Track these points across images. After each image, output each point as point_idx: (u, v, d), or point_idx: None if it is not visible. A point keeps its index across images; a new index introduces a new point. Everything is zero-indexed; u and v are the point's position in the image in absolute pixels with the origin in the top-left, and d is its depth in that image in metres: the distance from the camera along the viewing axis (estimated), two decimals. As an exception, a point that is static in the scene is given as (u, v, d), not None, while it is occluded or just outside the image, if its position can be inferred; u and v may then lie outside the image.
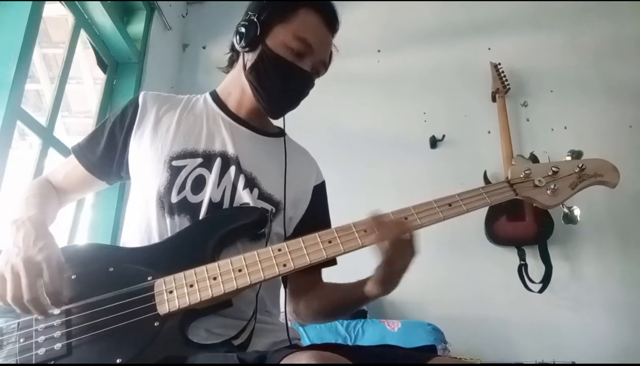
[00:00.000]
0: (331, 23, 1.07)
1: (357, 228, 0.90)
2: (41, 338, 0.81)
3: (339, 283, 1.08)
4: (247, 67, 1.05)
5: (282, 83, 1.03)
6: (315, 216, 1.11)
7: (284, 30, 1.02)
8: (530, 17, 2.86)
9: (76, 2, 2.36)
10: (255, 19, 1.03)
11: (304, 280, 1.07)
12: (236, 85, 1.10)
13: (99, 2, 2.36)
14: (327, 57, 1.09)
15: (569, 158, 1.02)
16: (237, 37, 1.05)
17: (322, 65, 1.08)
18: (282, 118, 1.13)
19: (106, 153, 1.09)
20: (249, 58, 1.05)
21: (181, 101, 1.14)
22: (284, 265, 0.86)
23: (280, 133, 1.17)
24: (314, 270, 1.04)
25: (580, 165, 0.99)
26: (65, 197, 1.13)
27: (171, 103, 1.12)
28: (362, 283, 0.98)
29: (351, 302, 1.05)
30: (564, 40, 2.78)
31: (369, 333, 2.07)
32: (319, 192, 1.16)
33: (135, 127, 1.08)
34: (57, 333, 0.82)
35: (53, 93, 2.26)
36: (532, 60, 2.77)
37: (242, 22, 1.05)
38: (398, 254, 0.88)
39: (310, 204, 1.12)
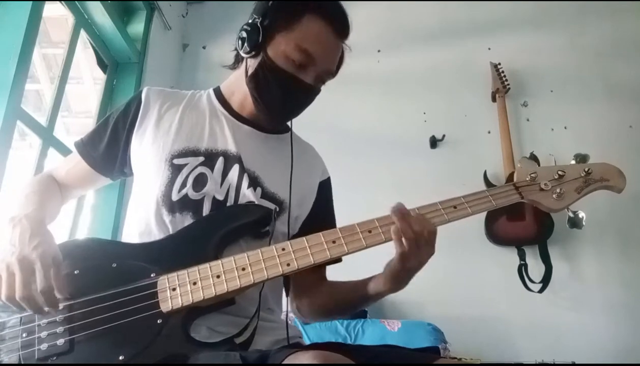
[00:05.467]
0: (340, 28, 1.01)
1: (361, 228, 0.89)
2: (44, 334, 0.81)
3: (343, 281, 1.06)
4: (248, 75, 1.02)
5: (281, 94, 1.00)
6: (321, 213, 1.11)
7: (286, 39, 0.97)
8: (530, 17, 2.86)
9: (76, 2, 2.35)
10: (258, 24, 0.98)
11: (309, 278, 1.06)
12: (239, 88, 1.08)
13: (99, 2, 2.36)
14: (334, 64, 1.04)
15: (574, 162, 1.01)
16: (240, 41, 1.01)
17: (328, 74, 1.04)
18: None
19: (109, 150, 1.08)
20: (250, 64, 1.02)
21: (184, 97, 1.13)
22: (288, 265, 0.85)
23: (286, 129, 1.14)
24: (318, 267, 1.01)
25: (586, 170, 0.98)
26: (69, 192, 1.13)
27: (174, 99, 1.11)
28: (367, 281, 0.96)
29: (355, 301, 1.02)
30: (564, 40, 2.78)
31: (369, 333, 2.06)
32: (325, 188, 1.14)
33: (137, 124, 1.06)
34: (60, 329, 0.81)
35: (53, 93, 2.25)
36: (532, 60, 2.77)
37: (246, 26, 1.01)
38: (416, 250, 0.85)
39: (315, 201, 1.10)
